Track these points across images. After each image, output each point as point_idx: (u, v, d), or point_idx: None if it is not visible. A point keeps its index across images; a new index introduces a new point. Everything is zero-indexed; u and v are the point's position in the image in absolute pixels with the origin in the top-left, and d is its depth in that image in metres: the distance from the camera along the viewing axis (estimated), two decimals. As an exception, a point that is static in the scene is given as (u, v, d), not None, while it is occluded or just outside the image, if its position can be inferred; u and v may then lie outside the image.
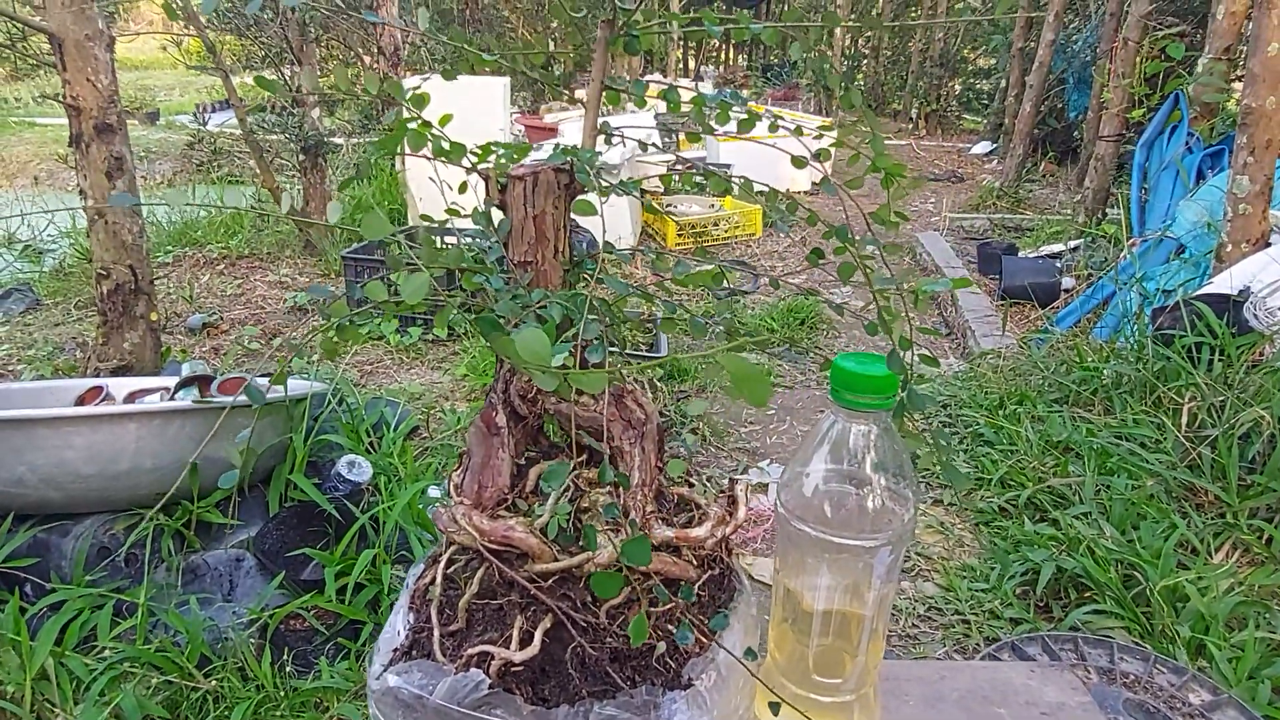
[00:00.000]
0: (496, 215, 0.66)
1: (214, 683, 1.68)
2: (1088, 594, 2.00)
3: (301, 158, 4.98)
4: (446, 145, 0.63)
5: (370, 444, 2.48)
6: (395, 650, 0.65)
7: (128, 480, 1.90)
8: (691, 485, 0.69)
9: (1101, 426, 2.62)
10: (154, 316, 2.79)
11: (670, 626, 0.65)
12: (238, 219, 5.27)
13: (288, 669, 1.75)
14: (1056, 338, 3.52)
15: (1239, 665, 1.67)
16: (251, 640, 1.78)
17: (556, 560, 0.60)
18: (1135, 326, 3.04)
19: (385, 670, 0.63)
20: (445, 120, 0.67)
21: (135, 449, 1.88)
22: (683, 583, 0.63)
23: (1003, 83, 9.56)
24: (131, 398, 2.43)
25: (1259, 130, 2.94)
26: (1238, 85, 4.14)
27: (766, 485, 2.74)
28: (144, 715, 1.58)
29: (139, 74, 15.71)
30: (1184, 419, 2.42)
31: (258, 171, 5.45)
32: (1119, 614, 1.89)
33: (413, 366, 3.58)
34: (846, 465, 0.67)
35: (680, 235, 5.72)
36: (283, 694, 1.69)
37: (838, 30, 13.33)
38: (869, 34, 14.95)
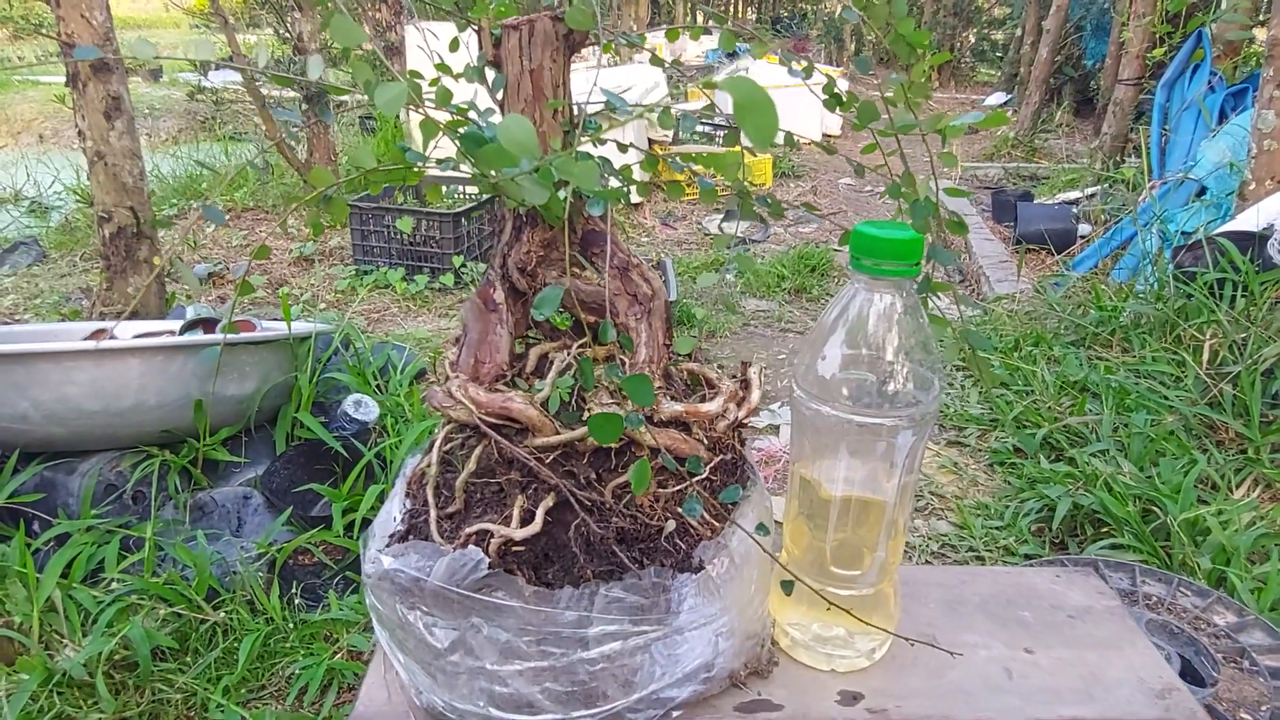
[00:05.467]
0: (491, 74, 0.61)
1: (223, 615, 1.67)
2: (1105, 529, 1.97)
3: (305, 107, 4.91)
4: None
5: (378, 386, 2.45)
6: (391, 536, 0.62)
7: (132, 417, 1.88)
8: (701, 362, 0.65)
9: (1119, 365, 2.57)
10: (157, 260, 2.76)
11: (680, 510, 0.61)
12: (242, 172, 5.22)
13: (296, 602, 1.74)
14: (1073, 281, 3.45)
15: (1262, 596, 1.64)
16: (260, 574, 1.77)
17: (558, 434, 0.57)
18: (1155, 267, 2.97)
19: (380, 553, 0.60)
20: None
21: (139, 385, 1.86)
22: (692, 457, 0.59)
23: (1018, 31, 9.35)
24: (136, 340, 2.41)
25: (1287, 62, 2.84)
26: (1260, 32, 4.01)
27: (778, 428, 2.71)
28: (153, 645, 1.57)
29: (141, 32, 15.54)
30: (1205, 356, 2.37)
31: (262, 125, 5.38)
32: (1138, 548, 1.86)
33: (419, 314, 3.55)
34: (867, 340, 0.63)
35: (688, 185, 5.63)
36: (291, 626, 1.68)
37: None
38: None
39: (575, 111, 0.62)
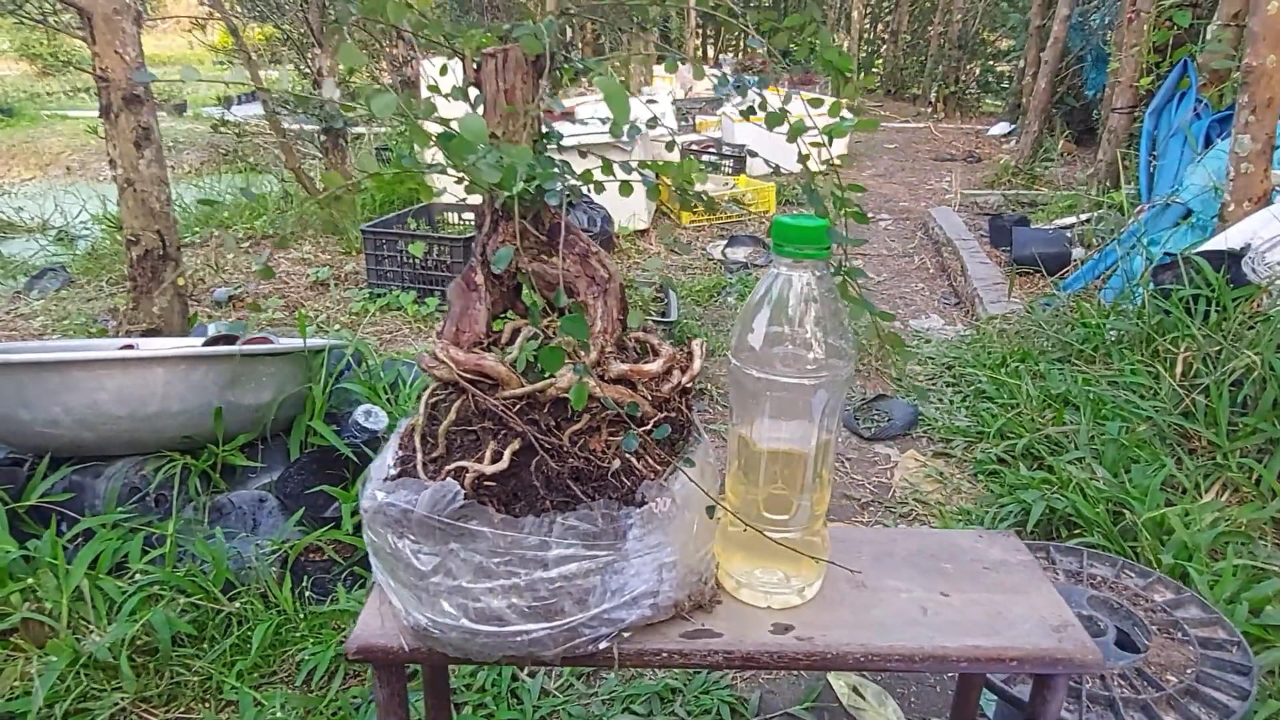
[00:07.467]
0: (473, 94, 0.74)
1: (238, 605, 1.78)
2: (1078, 530, 2.06)
3: (323, 138, 5.10)
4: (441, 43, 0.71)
5: (388, 399, 2.57)
6: (385, 479, 0.74)
7: (156, 423, 2.00)
8: (648, 331, 0.77)
9: (1099, 378, 2.66)
10: (181, 281, 2.90)
11: (630, 458, 0.73)
12: (261, 201, 5.40)
13: (307, 595, 1.85)
14: (1062, 301, 3.55)
15: (1217, 588, 1.72)
16: (273, 570, 1.88)
17: (523, 386, 0.69)
18: (1140, 287, 3.07)
19: (376, 490, 0.71)
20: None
21: (163, 392, 1.99)
22: (631, 403, 0.70)
23: (1021, 63, 9.51)
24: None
25: (1260, 88, 2.96)
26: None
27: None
28: (173, 632, 1.68)
29: (165, 68, 15.95)
30: (1179, 368, 2.46)
31: (282, 157, 5.57)
32: (1107, 546, 1.95)
33: (429, 335, 3.68)
34: (789, 314, 0.74)
35: (694, 212, 5.78)
36: (302, 617, 1.79)
37: (854, 14, 13.30)
38: (887, 18, 14.90)
39: (543, 124, 0.74)
